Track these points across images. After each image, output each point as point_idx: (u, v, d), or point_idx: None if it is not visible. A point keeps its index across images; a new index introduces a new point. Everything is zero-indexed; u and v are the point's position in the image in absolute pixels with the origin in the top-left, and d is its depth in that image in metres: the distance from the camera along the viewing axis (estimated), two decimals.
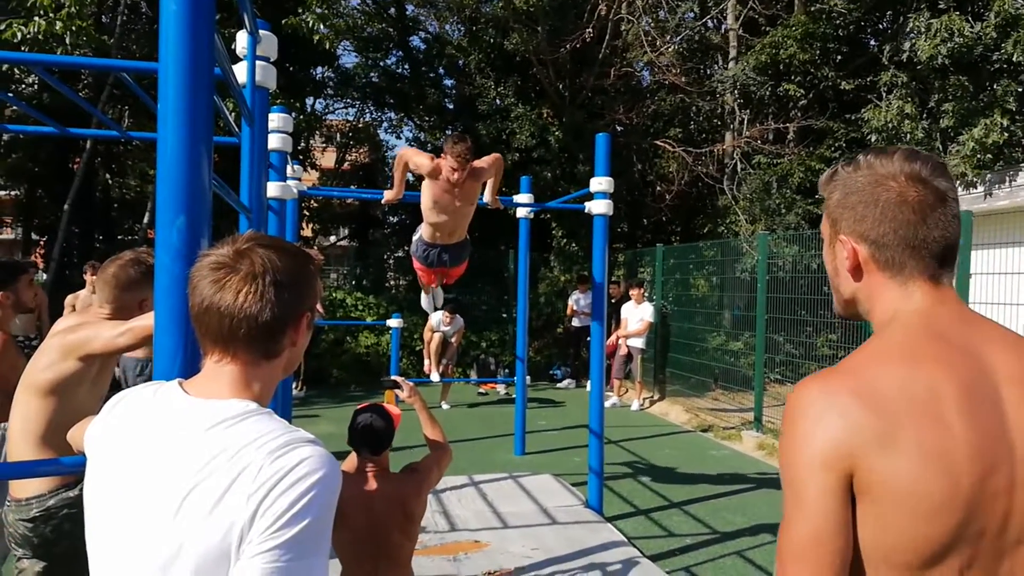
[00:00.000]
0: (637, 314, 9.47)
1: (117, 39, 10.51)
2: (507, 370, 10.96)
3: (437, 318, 8.57)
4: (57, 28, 7.63)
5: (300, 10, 9.61)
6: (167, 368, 1.32)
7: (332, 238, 20.86)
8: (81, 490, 1.41)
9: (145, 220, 13.74)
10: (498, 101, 13.18)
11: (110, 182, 15.49)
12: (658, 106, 13.56)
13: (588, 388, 5.22)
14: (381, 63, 15.87)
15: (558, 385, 11.25)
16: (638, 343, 9.46)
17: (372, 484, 2.27)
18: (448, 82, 15.92)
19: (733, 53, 12.30)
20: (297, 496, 0.96)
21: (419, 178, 4.54)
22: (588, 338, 6.26)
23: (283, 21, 9.27)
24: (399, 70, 16.05)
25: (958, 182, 8.84)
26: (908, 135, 9.74)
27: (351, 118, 18.10)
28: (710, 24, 13.69)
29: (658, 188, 14.59)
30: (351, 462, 2.36)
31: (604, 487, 5.04)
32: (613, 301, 10.09)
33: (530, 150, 12.62)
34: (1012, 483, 0.92)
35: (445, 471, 2.52)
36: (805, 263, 8.46)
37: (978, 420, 0.93)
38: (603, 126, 12.45)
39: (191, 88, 1.30)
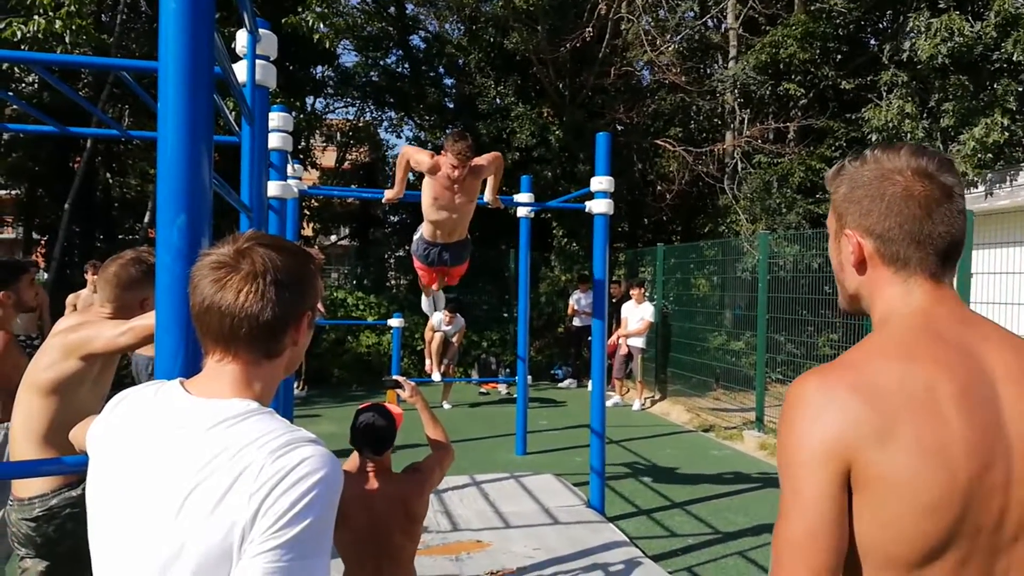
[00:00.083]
0: (637, 314, 9.46)
1: (117, 38, 10.51)
2: (508, 370, 10.96)
3: (438, 318, 8.57)
4: (57, 27, 7.63)
5: (300, 9, 9.60)
6: (168, 367, 1.31)
7: (333, 237, 20.87)
8: (84, 489, 1.41)
9: (146, 219, 13.74)
10: (498, 100, 13.18)
11: (111, 181, 15.48)
12: (658, 105, 13.56)
13: (589, 388, 5.22)
14: (381, 62, 15.88)
15: (559, 385, 11.25)
16: (638, 343, 9.46)
17: (374, 484, 2.27)
18: (448, 81, 15.93)
19: (733, 52, 12.29)
20: (299, 496, 0.96)
21: (419, 177, 4.54)
22: (589, 338, 6.25)
23: (283, 20, 9.26)
24: (399, 69, 16.05)
25: None
26: (908, 134, 9.74)
27: (351, 117, 18.12)
28: (710, 23, 13.69)
29: (658, 187, 14.59)
30: (353, 462, 2.36)
31: (606, 487, 5.03)
32: (614, 301, 10.08)
33: (530, 149, 12.61)
34: (1008, 479, 0.93)
35: (447, 471, 2.51)
36: (806, 263, 8.45)
37: (975, 417, 0.93)
38: (603, 125, 12.44)
39: (191, 87, 1.30)
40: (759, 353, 7.87)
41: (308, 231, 18.49)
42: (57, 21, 7.65)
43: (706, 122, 14.07)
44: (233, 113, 3.47)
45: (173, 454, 1.01)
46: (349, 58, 23.29)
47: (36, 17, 7.65)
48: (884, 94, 10.50)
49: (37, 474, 2.14)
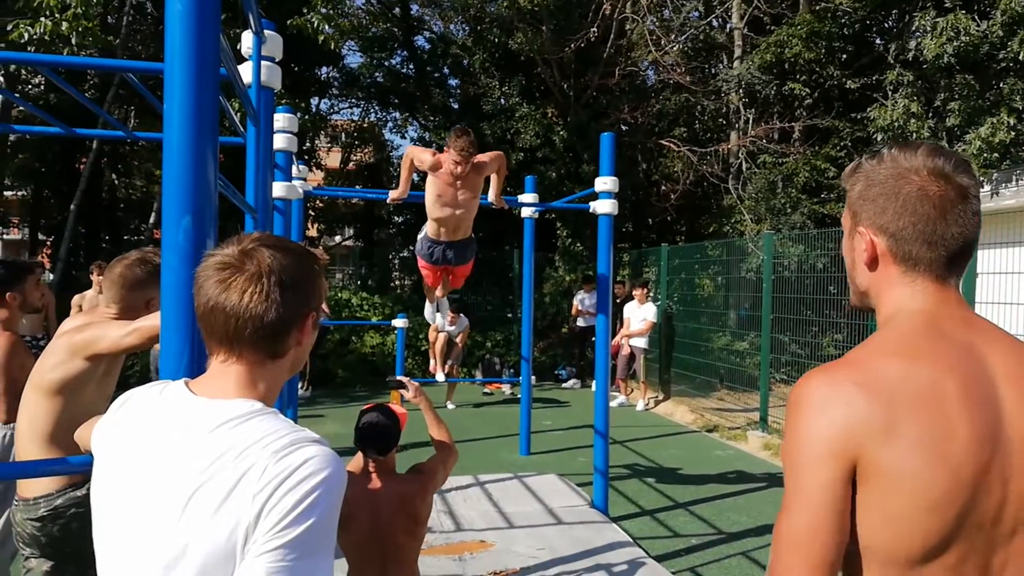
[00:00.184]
0: (640, 314, 9.46)
1: (123, 39, 10.55)
2: (512, 370, 10.95)
3: (440, 322, 8.57)
4: (63, 29, 7.65)
5: (305, 10, 9.62)
6: (173, 367, 1.32)
7: (337, 238, 20.89)
8: (89, 489, 1.42)
9: (151, 220, 13.79)
10: (503, 101, 13.18)
11: (116, 182, 15.55)
12: (663, 105, 13.54)
13: (593, 388, 5.21)
14: (386, 63, 15.89)
15: (563, 385, 11.24)
16: (641, 343, 9.45)
17: (378, 485, 2.27)
18: (453, 82, 15.94)
19: (738, 52, 12.28)
20: (302, 495, 0.96)
21: (424, 178, 4.56)
22: (593, 338, 6.25)
23: (288, 21, 9.28)
24: (404, 70, 16.07)
25: None
26: (914, 134, 9.71)
27: (356, 118, 18.15)
28: (715, 23, 13.68)
29: (663, 187, 14.59)
30: (357, 462, 2.36)
31: (609, 487, 5.03)
32: (618, 301, 10.07)
33: (535, 150, 12.62)
34: (1007, 475, 0.95)
35: (451, 471, 2.51)
36: (810, 263, 8.43)
37: (977, 415, 0.94)
38: (608, 125, 12.45)
39: (197, 88, 1.30)
40: (763, 353, 7.86)
41: (313, 232, 18.53)
42: (63, 23, 7.67)
43: (711, 122, 14.05)
44: (238, 114, 3.49)
45: (177, 454, 1.01)
46: (354, 59, 23.34)
47: (43, 19, 7.68)
48: (890, 93, 10.47)
49: (42, 474, 2.14)
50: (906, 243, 1.04)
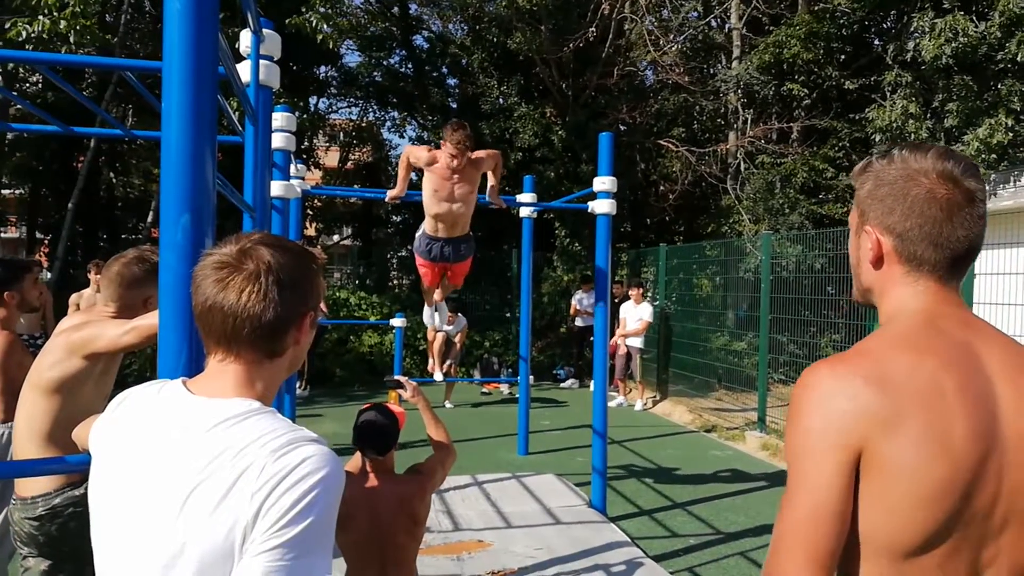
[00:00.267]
0: (636, 314, 9.47)
1: (121, 38, 10.53)
2: (510, 370, 10.95)
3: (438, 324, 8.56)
4: (61, 27, 7.64)
5: (304, 9, 9.62)
6: (171, 366, 1.32)
7: (335, 237, 20.88)
8: (86, 488, 1.42)
9: (149, 219, 13.79)
10: (501, 100, 13.18)
11: (114, 181, 15.52)
12: (661, 105, 13.55)
13: (591, 388, 5.22)
14: (384, 62, 15.89)
15: (561, 385, 11.24)
16: (637, 343, 9.46)
17: (376, 485, 2.27)
18: (451, 81, 15.95)
19: (737, 52, 12.28)
20: (300, 495, 0.96)
21: (421, 176, 4.56)
22: (591, 338, 6.25)
23: (287, 20, 9.27)
24: (402, 69, 16.07)
25: None
26: (912, 135, 9.72)
27: (354, 117, 18.15)
28: (713, 23, 13.69)
29: (661, 188, 14.60)
30: (355, 462, 2.36)
31: (607, 487, 5.03)
32: (616, 301, 10.08)
33: (533, 149, 12.61)
34: (1001, 471, 0.97)
35: (449, 471, 2.51)
36: (809, 263, 8.44)
37: (974, 411, 0.97)
38: (606, 125, 12.44)
39: (195, 87, 1.30)
40: (761, 354, 7.87)
41: (311, 231, 18.52)
42: (62, 21, 7.66)
43: (709, 122, 14.06)
44: (237, 113, 3.48)
45: (175, 453, 1.01)
46: (352, 58, 23.33)
47: (41, 17, 7.66)
48: (888, 94, 10.48)
49: (40, 473, 2.14)
50: (912, 244, 1.06)
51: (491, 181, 4.73)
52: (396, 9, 15.47)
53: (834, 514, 0.94)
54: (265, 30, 2.50)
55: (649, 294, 10.72)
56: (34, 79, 12.16)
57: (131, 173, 16.26)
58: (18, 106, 11.18)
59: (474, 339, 11.51)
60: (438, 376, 8.63)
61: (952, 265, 1.06)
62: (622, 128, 13.98)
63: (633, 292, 9.57)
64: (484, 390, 10.36)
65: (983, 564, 0.98)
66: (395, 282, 14.51)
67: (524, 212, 6.51)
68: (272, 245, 1.11)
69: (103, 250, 12.46)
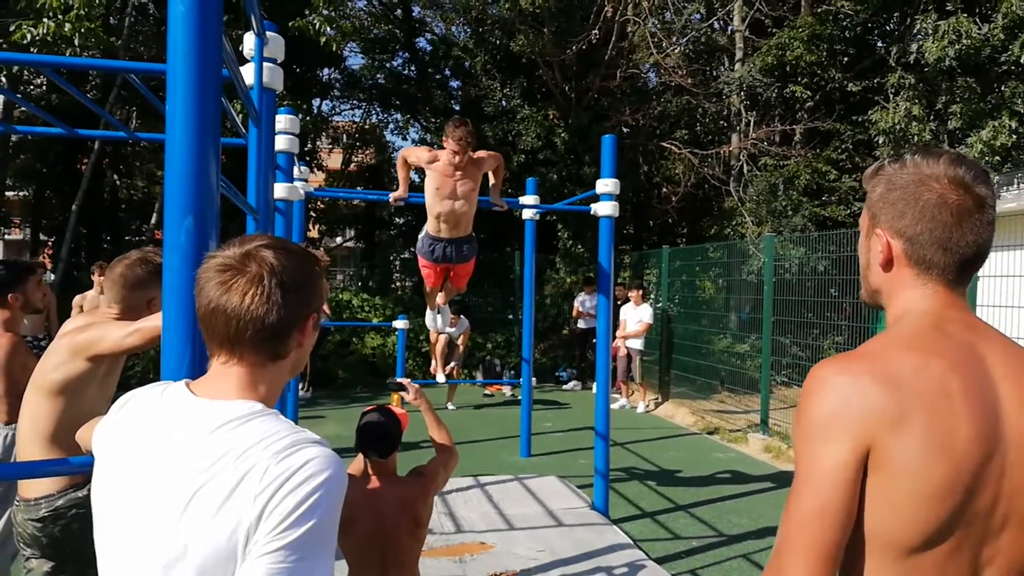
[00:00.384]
0: (636, 315, 9.47)
1: (125, 40, 10.56)
2: (513, 372, 10.95)
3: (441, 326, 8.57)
4: (66, 30, 7.67)
5: (307, 12, 9.64)
6: (175, 368, 1.32)
7: (338, 239, 20.90)
8: (90, 490, 1.42)
9: (153, 221, 13.81)
10: (504, 103, 13.19)
11: (118, 183, 15.57)
12: (664, 108, 13.55)
13: (594, 390, 5.21)
14: (387, 65, 15.92)
15: (564, 387, 11.24)
16: (636, 344, 9.45)
17: (379, 487, 2.26)
18: (454, 84, 15.96)
19: (739, 55, 12.28)
20: (303, 497, 0.96)
21: (424, 178, 4.56)
22: (594, 340, 6.25)
23: (290, 23, 9.30)
24: (405, 72, 16.09)
25: None
26: (916, 137, 9.71)
27: (357, 119, 18.16)
28: (716, 26, 13.68)
29: (664, 190, 14.60)
30: (358, 465, 2.36)
31: (610, 489, 5.03)
32: (618, 303, 10.08)
33: (536, 152, 12.62)
34: (1002, 471, 0.99)
35: (452, 473, 2.51)
36: (811, 265, 8.43)
37: (978, 412, 0.98)
38: (609, 128, 12.45)
39: (199, 89, 1.31)
40: (764, 356, 7.86)
41: (314, 233, 18.55)
42: (66, 24, 7.69)
43: (712, 124, 14.06)
44: (240, 115, 3.49)
45: (178, 455, 1.02)
46: (356, 60, 23.36)
47: (45, 20, 7.69)
48: (891, 96, 10.46)
49: (43, 475, 2.15)
50: (922, 248, 1.08)
51: (493, 183, 4.73)
52: (399, 12, 15.49)
53: (840, 506, 0.95)
54: (268, 33, 2.51)
55: (652, 296, 10.72)
56: (38, 81, 12.21)
57: (135, 175, 16.31)
58: (23, 108, 11.22)
59: (477, 341, 11.51)
60: (440, 378, 8.63)
61: (960, 269, 1.08)
62: (625, 130, 13.98)
63: (633, 294, 9.57)
64: (486, 392, 10.36)
65: (983, 563, 0.99)
66: (398, 284, 14.52)
67: (527, 214, 6.51)
68: (275, 247, 1.11)
69: (107, 252, 12.49)
